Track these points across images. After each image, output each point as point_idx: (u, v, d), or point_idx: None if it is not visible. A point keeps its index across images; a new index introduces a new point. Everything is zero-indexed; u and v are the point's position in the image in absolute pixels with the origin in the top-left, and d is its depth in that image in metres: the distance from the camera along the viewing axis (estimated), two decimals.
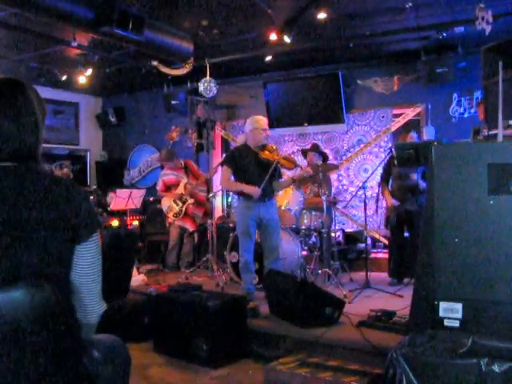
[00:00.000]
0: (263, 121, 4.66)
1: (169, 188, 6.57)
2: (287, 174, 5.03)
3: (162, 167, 7.33)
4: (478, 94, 6.14)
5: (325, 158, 6.20)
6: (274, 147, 4.74)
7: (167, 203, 6.52)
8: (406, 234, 5.62)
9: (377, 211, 5.96)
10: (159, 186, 6.63)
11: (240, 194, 4.63)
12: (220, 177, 4.91)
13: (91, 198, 6.70)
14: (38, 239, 1.35)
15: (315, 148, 6.23)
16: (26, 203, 1.36)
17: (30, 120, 1.47)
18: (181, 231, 6.62)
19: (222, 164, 4.92)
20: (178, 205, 6.46)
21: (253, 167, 4.58)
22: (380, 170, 6.05)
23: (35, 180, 1.41)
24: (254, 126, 4.60)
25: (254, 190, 4.43)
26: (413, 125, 6.84)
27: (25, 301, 1.25)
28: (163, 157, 6.72)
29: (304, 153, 6.29)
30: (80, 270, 1.47)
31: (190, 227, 6.56)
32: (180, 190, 6.48)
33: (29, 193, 1.38)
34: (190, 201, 6.49)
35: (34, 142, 1.47)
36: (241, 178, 4.60)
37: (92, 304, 1.52)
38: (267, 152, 4.60)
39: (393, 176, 5.61)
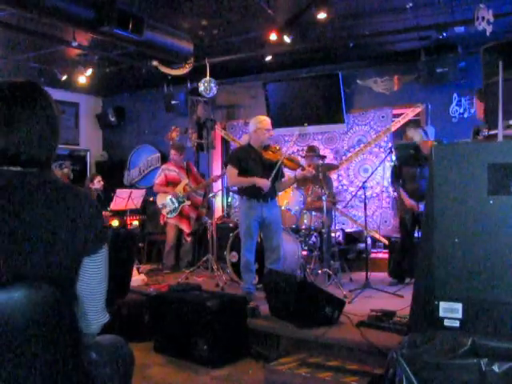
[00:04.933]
0: (267, 121, 4.66)
1: (169, 184, 6.56)
2: (288, 174, 5.04)
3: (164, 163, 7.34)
4: None
5: (321, 159, 6.20)
6: (278, 147, 4.75)
7: (163, 200, 6.51)
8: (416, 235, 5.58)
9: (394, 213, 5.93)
10: (159, 179, 6.58)
11: (243, 193, 4.64)
12: (227, 176, 4.93)
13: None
14: (44, 247, 1.34)
15: (313, 150, 6.20)
16: (37, 211, 1.35)
17: (50, 125, 1.45)
18: (177, 232, 6.62)
19: (226, 164, 4.94)
20: (173, 203, 6.45)
21: (256, 167, 4.58)
22: (380, 171, 6.05)
23: (48, 188, 1.40)
24: (258, 127, 4.61)
25: (265, 182, 4.45)
26: (412, 124, 6.84)
27: (23, 301, 1.25)
28: (176, 146, 6.73)
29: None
30: (86, 280, 1.46)
31: (185, 228, 6.55)
32: (179, 189, 6.47)
33: (40, 200, 1.36)
34: (187, 202, 6.49)
35: (52, 147, 1.46)
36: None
37: (94, 314, 1.51)
38: (271, 152, 4.61)
39: (406, 177, 5.55)
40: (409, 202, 5.42)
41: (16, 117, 1.40)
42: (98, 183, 6.68)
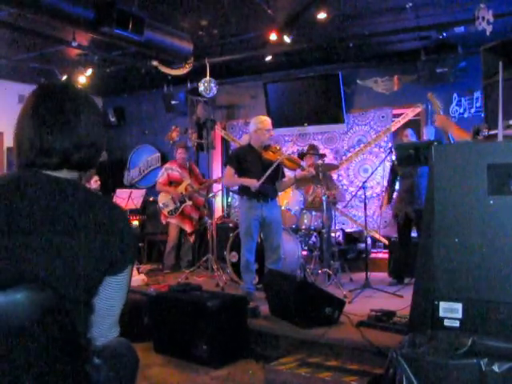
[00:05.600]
0: (267, 121, 4.67)
1: (171, 183, 6.56)
2: (289, 174, 5.05)
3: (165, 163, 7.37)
4: (477, 94, 6.15)
5: (322, 158, 6.22)
6: (278, 147, 4.76)
7: (164, 199, 6.51)
8: (413, 234, 5.61)
9: (380, 212, 6.04)
10: (162, 178, 6.58)
11: (243, 193, 4.65)
12: (223, 176, 4.95)
13: None
14: (65, 256, 1.28)
15: (314, 149, 6.22)
16: (68, 224, 1.28)
17: (102, 127, 1.43)
18: (179, 232, 6.62)
19: (225, 164, 4.96)
20: (175, 203, 6.46)
21: (256, 167, 4.59)
22: (380, 171, 6.06)
23: (85, 197, 1.34)
24: (258, 127, 4.62)
25: (253, 182, 4.46)
26: (412, 124, 6.85)
27: (25, 303, 1.24)
28: (183, 145, 6.82)
29: (301, 156, 6.26)
30: (106, 296, 1.41)
31: (187, 228, 6.56)
32: (181, 189, 6.48)
33: (75, 209, 1.30)
34: (189, 202, 6.49)
35: (101, 148, 1.43)
36: (243, 177, 4.62)
37: (107, 328, 1.47)
38: (271, 152, 4.62)
39: (400, 175, 5.62)
40: (384, 205, 5.79)
41: (76, 117, 1.35)
42: (94, 183, 6.66)
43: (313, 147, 6.29)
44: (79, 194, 1.34)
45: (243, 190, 4.67)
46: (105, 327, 1.47)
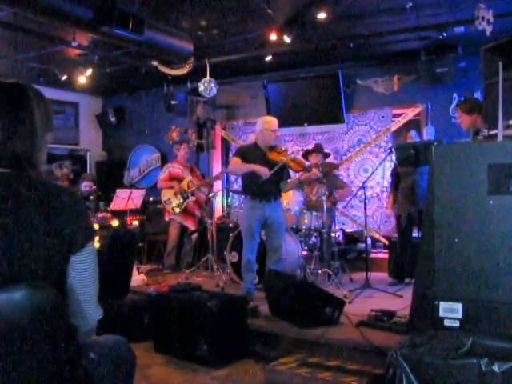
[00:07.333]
0: (273, 122, 4.69)
1: (172, 180, 6.54)
2: (293, 176, 5.05)
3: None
4: (477, 94, 6.14)
5: (326, 157, 6.25)
6: (283, 149, 4.78)
7: (168, 195, 6.49)
8: (414, 234, 5.59)
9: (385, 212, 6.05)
10: (163, 176, 6.55)
11: (247, 193, 4.66)
12: (229, 163, 4.95)
13: (91, 197, 6.69)
14: (31, 246, 1.35)
15: (319, 149, 6.22)
16: (20, 210, 1.36)
17: (26, 127, 1.46)
18: (180, 232, 6.60)
19: (232, 156, 4.98)
20: (178, 199, 6.44)
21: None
22: (380, 171, 6.06)
23: (30, 187, 1.41)
24: (264, 127, 4.64)
25: (265, 170, 4.46)
26: (412, 124, 6.85)
27: (25, 302, 1.25)
28: (186, 141, 6.86)
29: (305, 155, 6.26)
30: (76, 278, 1.48)
31: (190, 226, 6.55)
32: (183, 185, 6.47)
33: (22, 200, 1.37)
34: (192, 198, 6.47)
35: (29, 148, 1.47)
36: (247, 177, 4.62)
37: (88, 311, 1.53)
38: (276, 153, 4.64)
39: (402, 175, 5.60)
40: (389, 210, 5.78)
41: None
42: (84, 187, 6.62)
43: (319, 146, 6.30)
44: (27, 184, 1.41)
45: (246, 189, 4.68)
46: (86, 310, 1.52)
